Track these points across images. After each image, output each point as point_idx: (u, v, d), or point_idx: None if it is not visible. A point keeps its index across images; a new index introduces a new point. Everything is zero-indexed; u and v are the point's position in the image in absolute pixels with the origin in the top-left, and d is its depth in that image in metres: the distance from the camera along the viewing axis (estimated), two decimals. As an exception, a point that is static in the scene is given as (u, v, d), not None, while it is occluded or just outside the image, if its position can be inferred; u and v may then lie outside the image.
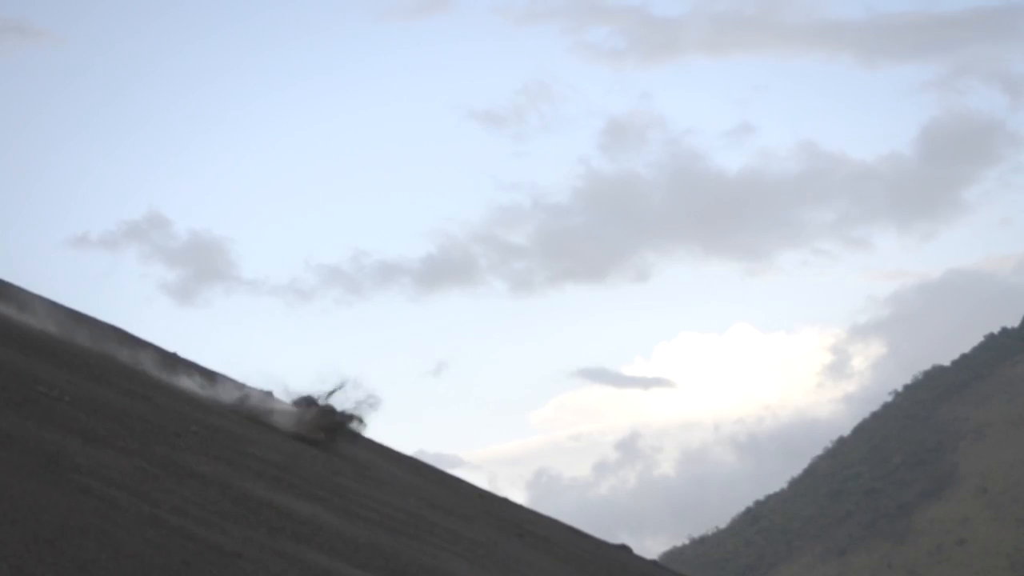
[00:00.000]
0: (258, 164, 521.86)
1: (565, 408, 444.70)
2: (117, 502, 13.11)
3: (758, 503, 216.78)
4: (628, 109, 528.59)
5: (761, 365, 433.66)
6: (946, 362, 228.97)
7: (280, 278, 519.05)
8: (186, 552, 12.30)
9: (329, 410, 29.23)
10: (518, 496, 50.31)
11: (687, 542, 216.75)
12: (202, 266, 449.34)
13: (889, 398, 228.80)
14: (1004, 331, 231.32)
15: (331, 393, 28.50)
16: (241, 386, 33.03)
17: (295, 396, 31.50)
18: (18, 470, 12.60)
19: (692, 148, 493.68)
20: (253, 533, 16.27)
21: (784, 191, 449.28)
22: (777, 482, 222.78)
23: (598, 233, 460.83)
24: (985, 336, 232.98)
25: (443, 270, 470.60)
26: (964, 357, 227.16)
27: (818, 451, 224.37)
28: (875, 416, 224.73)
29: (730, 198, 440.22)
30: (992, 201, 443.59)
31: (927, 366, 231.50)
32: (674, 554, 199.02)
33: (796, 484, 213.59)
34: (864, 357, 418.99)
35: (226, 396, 31.00)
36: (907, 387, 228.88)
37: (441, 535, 26.83)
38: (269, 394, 30.40)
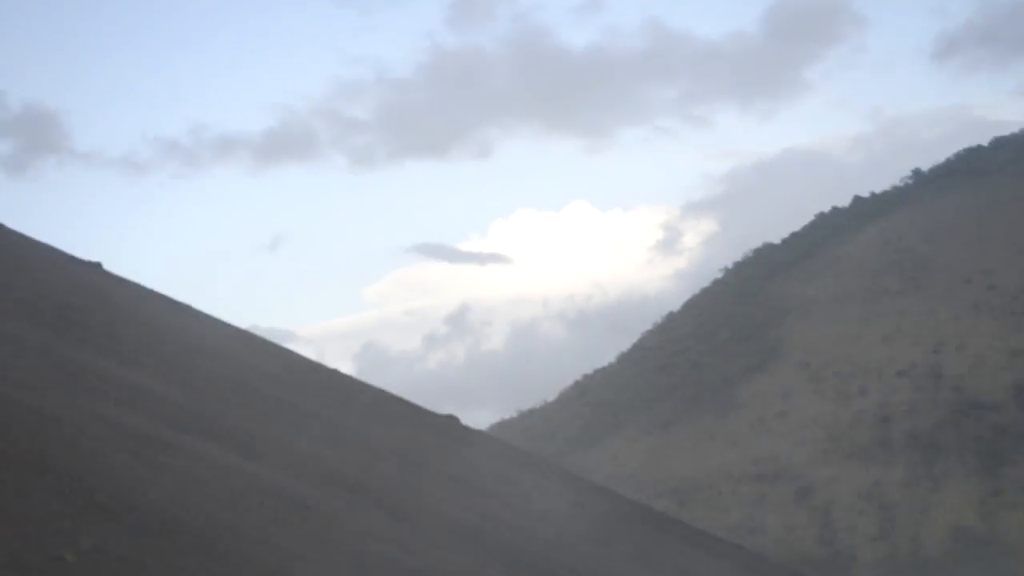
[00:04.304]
0: (94, 32, 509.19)
1: (400, 283, 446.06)
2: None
3: (586, 377, 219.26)
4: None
5: (595, 242, 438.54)
6: (776, 240, 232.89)
7: (115, 151, 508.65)
8: (2, 416, 12.53)
9: None
10: (346, 369, 50.59)
11: (515, 415, 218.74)
12: (34, 138, 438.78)
13: (719, 275, 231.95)
14: (835, 210, 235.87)
15: None
16: None
17: None
18: None
19: (539, 24, 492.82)
20: (74, 397, 16.52)
21: (629, 68, 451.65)
22: (606, 357, 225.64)
23: (441, 108, 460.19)
24: (816, 215, 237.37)
25: (283, 144, 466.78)
26: (794, 235, 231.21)
27: (647, 327, 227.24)
28: (704, 292, 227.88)
29: (575, 75, 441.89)
30: (832, 81, 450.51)
31: (758, 244, 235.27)
32: (502, 426, 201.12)
33: (624, 359, 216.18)
34: (696, 234, 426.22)
35: None
36: (737, 264, 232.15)
37: (268, 403, 27.26)
38: None
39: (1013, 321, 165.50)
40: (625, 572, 26.81)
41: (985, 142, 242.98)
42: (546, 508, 31.39)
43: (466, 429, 43.80)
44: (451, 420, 44.04)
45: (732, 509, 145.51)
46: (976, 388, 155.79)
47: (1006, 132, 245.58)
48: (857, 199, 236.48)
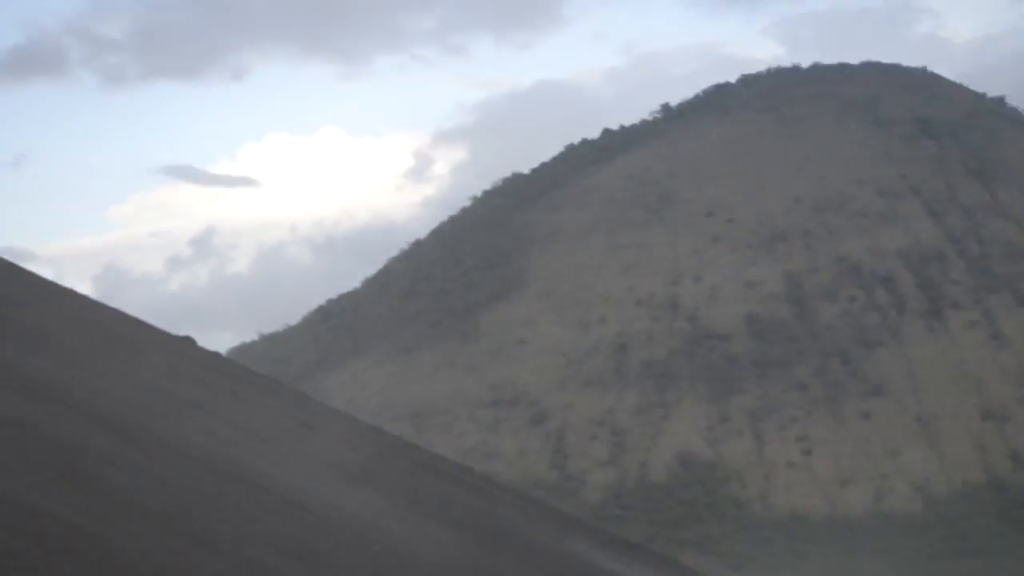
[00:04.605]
0: None
1: (145, 205, 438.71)
2: None
3: (330, 301, 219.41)
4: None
5: (346, 169, 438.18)
6: (526, 170, 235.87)
7: None
8: None
9: None
10: (85, 290, 50.15)
11: (256, 338, 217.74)
12: None
13: (467, 203, 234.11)
14: (584, 142, 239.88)
15: None
16: None
17: None
18: None
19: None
20: None
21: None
22: (351, 282, 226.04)
23: (196, 30, 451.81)
24: (565, 146, 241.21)
25: (30, 61, 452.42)
26: (543, 166, 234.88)
27: (394, 253, 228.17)
28: (452, 220, 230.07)
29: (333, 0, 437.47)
30: (588, 14, 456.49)
31: (507, 173, 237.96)
32: (242, 349, 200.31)
33: (369, 284, 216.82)
34: (446, 162, 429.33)
35: None
36: (486, 193, 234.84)
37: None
38: None
39: (749, 254, 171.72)
40: (351, 493, 27.52)
41: (733, 79, 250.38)
42: (274, 429, 31.92)
43: (201, 350, 43.85)
44: (187, 341, 44.01)
45: (468, 434, 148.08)
46: (710, 318, 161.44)
47: (753, 70, 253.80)
48: (606, 132, 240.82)
